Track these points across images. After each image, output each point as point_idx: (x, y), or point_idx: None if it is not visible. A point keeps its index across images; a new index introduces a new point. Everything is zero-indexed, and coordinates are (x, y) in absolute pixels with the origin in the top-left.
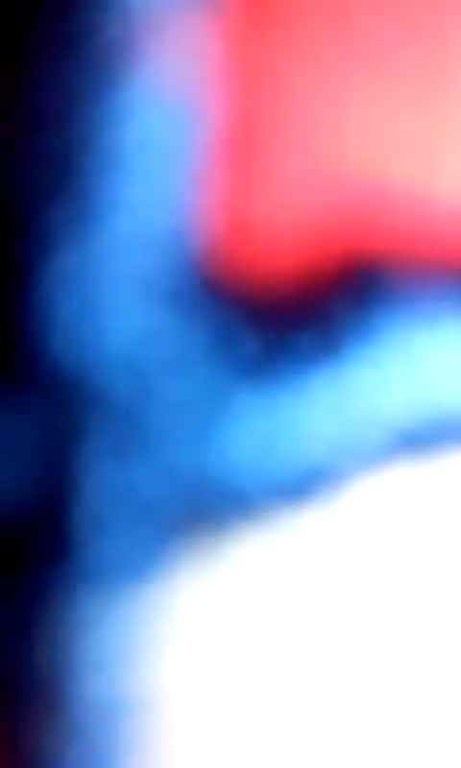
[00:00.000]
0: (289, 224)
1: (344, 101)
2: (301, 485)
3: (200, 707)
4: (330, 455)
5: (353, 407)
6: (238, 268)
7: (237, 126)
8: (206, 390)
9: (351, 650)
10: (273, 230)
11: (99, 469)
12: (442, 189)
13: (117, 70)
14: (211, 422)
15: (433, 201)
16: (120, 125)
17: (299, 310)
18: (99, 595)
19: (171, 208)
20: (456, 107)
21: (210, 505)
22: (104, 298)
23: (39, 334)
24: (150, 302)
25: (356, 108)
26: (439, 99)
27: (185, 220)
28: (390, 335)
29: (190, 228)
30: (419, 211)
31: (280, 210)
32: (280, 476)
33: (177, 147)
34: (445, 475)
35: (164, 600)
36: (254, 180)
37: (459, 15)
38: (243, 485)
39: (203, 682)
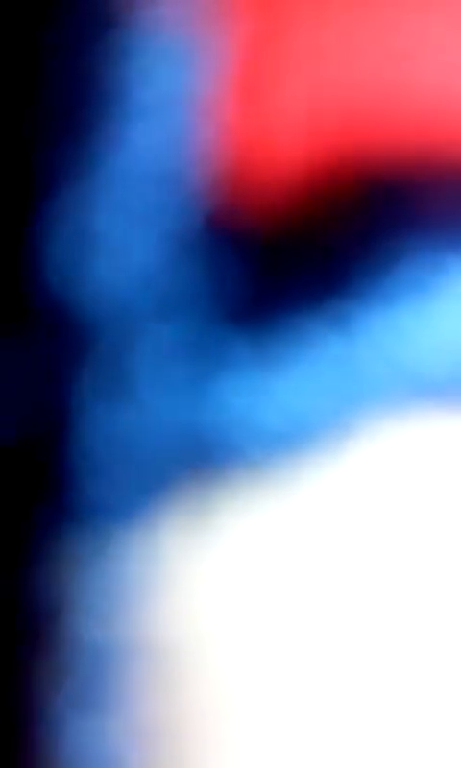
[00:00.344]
0: (295, 159)
1: (354, 22)
2: (298, 437)
3: (194, 652)
4: (335, 406)
5: (363, 353)
6: (241, 206)
7: (241, 62)
8: (198, 334)
9: (351, 606)
10: (277, 166)
11: (91, 410)
12: None
13: (121, 10)
14: (203, 369)
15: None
16: (124, 63)
17: (301, 247)
18: (88, 536)
19: (173, 146)
20: None
21: (201, 454)
22: (103, 234)
23: (38, 270)
24: (148, 241)
25: (368, 29)
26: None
27: (188, 158)
28: (406, 270)
29: (192, 165)
30: (444, 121)
31: (286, 146)
32: (275, 427)
33: (179, 85)
34: None
35: (153, 547)
36: (260, 114)
37: None
38: (234, 434)
39: (195, 627)
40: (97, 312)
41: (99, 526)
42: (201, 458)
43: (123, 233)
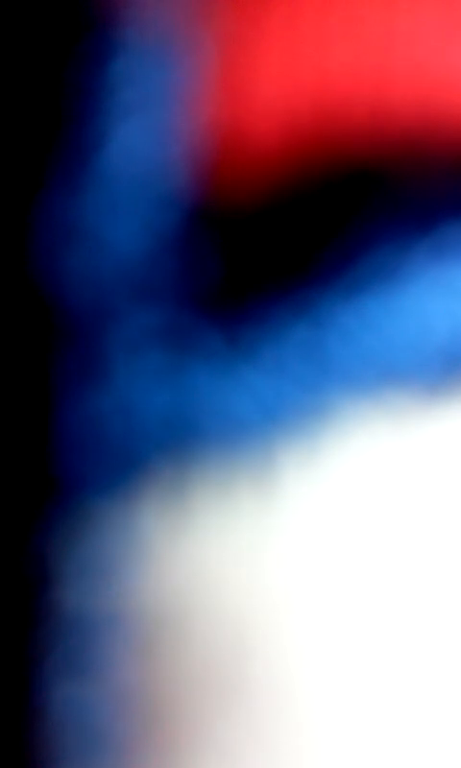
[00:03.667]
0: (272, 152)
1: (326, 17)
2: (268, 421)
3: (173, 622)
4: (303, 391)
5: (330, 340)
6: (217, 200)
7: (220, 59)
8: (173, 322)
9: (325, 576)
10: (255, 160)
11: (72, 392)
12: (449, 85)
13: (105, 14)
14: (177, 354)
15: (440, 99)
16: (109, 64)
17: (271, 239)
18: (72, 511)
19: (156, 142)
20: None
21: (174, 435)
22: (87, 226)
23: (27, 259)
24: (129, 232)
25: (340, 22)
26: None
27: (169, 153)
28: (372, 258)
29: (174, 160)
30: (414, 112)
31: (263, 140)
32: (245, 411)
33: (161, 83)
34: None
35: (132, 521)
36: (239, 109)
37: None
38: (206, 418)
39: (174, 597)
40: (79, 299)
41: (82, 501)
42: (174, 439)
43: (106, 225)
